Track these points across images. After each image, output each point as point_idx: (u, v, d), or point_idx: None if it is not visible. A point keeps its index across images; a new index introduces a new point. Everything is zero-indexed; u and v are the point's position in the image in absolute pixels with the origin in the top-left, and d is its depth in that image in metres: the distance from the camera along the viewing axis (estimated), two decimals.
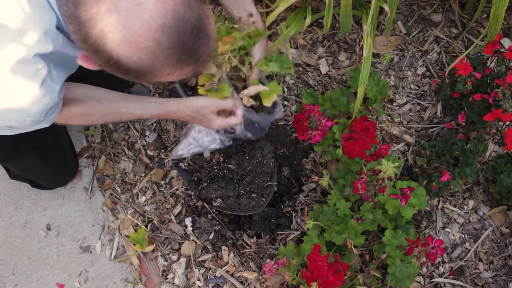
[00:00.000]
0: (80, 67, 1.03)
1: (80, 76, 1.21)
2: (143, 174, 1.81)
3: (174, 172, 1.80)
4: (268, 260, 1.61)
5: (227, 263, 1.66)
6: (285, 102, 1.87)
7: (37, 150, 1.53)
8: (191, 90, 1.62)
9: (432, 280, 1.61)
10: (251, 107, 1.48)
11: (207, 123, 1.37)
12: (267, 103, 1.39)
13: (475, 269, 1.63)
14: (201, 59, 0.94)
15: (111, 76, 1.70)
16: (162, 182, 1.80)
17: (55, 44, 1.00)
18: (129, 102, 1.32)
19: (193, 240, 1.70)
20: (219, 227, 1.70)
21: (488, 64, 1.73)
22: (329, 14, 1.67)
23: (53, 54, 1.02)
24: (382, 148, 1.45)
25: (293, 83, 1.89)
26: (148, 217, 1.74)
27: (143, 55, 0.87)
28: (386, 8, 1.54)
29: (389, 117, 1.83)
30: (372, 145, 1.46)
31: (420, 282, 1.60)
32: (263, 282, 1.61)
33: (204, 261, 1.67)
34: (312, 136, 1.46)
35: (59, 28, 1.00)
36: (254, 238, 1.68)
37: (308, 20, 1.69)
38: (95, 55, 0.89)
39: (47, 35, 0.97)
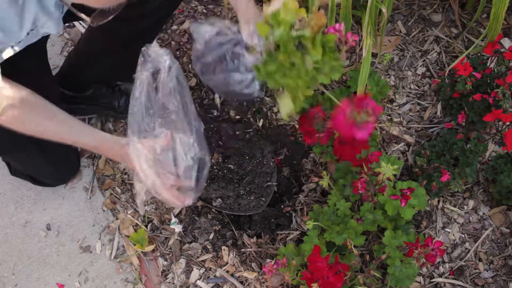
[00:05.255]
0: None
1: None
2: None
3: None
4: (268, 260, 1.61)
5: (227, 263, 1.66)
6: None
7: (37, 145, 1.53)
8: None
9: (432, 280, 1.61)
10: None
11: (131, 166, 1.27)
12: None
13: (475, 269, 1.63)
14: None
15: (111, 67, 1.68)
16: None
17: None
18: (68, 127, 1.26)
19: (177, 239, 1.70)
20: (219, 227, 1.70)
21: (488, 64, 1.73)
22: (332, 18, 1.67)
23: None
24: (374, 155, 1.44)
25: None
26: (148, 217, 1.74)
27: None
28: (384, 9, 1.54)
29: (389, 117, 1.83)
30: (364, 150, 1.46)
31: (420, 282, 1.61)
32: (263, 282, 1.61)
33: (204, 261, 1.67)
34: (320, 138, 1.45)
35: None
36: (254, 238, 1.68)
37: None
38: None
39: None
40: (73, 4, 0.95)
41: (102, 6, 0.91)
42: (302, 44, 1.04)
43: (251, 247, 1.67)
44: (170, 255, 1.69)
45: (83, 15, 1.04)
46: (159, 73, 1.25)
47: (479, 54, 1.87)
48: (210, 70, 1.46)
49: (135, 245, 1.68)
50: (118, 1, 0.89)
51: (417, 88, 1.90)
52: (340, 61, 1.09)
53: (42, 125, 1.23)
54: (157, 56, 1.24)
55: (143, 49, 1.23)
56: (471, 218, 1.70)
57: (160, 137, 1.24)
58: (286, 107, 1.11)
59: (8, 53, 1.09)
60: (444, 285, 1.60)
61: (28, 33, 1.11)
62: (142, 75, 1.24)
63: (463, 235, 1.67)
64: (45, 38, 1.48)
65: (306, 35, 1.02)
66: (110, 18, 1.04)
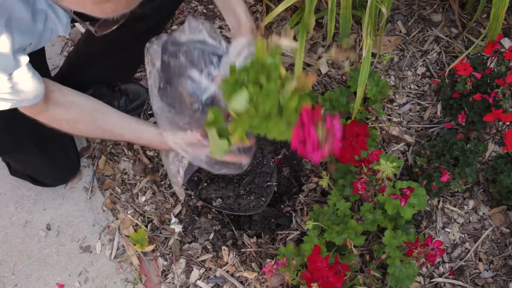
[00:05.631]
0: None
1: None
2: (143, 174, 1.81)
3: None
4: (268, 260, 1.61)
5: (227, 263, 1.66)
6: None
7: (37, 145, 1.53)
8: None
9: (432, 280, 1.61)
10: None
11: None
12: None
13: (475, 269, 1.63)
14: None
15: (111, 68, 1.69)
16: (162, 182, 1.80)
17: None
18: (122, 122, 1.30)
19: (177, 239, 1.70)
20: (219, 227, 1.70)
21: (488, 64, 1.73)
22: (332, 20, 1.67)
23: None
24: (374, 154, 1.45)
25: None
26: (148, 217, 1.74)
27: None
28: (383, 9, 1.54)
29: (389, 117, 1.83)
30: (363, 150, 1.46)
31: (420, 282, 1.60)
32: (263, 282, 1.61)
33: (204, 261, 1.67)
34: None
35: None
36: (254, 238, 1.68)
37: (312, 22, 1.69)
38: None
39: None
40: (76, 13, 0.95)
41: (106, 16, 0.91)
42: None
43: (251, 247, 1.67)
44: (170, 255, 1.69)
45: (87, 24, 1.05)
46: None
47: (479, 54, 1.87)
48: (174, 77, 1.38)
49: (135, 245, 1.68)
50: (122, 12, 0.89)
51: (417, 88, 1.90)
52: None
53: (106, 124, 1.27)
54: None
55: (147, 45, 1.22)
56: (471, 218, 1.70)
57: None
58: (216, 147, 1.07)
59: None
60: (444, 285, 1.60)
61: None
62: (153, 70, 1.23)
63: (463, 235, 1.67)
64: None
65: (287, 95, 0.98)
66: (113, 28, 1.05)
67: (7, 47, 1.02)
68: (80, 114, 1.25)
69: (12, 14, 1.01)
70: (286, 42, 1.05)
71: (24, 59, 1.09)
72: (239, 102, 0.98)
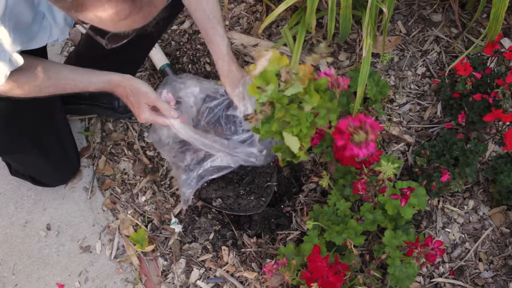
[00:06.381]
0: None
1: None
2: (143, 174, 1.81)
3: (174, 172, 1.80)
4: (268, 260, 1.61)
5: (227, 263, 1.66)
6: None
7: (37, 146, 1.53)
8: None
9: (432, 280, 1.61)
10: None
11: (136, 110, 1.38)
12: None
13: (475, 269, 1.63)
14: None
15: (111, 69, 1.70)
16: (162, 182, 1.80)
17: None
18: (76, 73, 1.32)
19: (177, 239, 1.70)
20: (219, 227, 1.70)
21: (488, 64, 1.73)
22: (332, 19, 1.67)
23: (7, 13, 0.99)
24: (374, 155, 1.45)
25: None
26: (148, 217, 1.74)
27: None
28: (384, 9, 1.54)
29: (389, 117, 1.83)
30: None
31: (420, 282, 1.60)
32: (263, 282, 1.61)
33: (204, 261, 1.67)
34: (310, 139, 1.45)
35: None
36: (254, 238, 1.68)
37: (313, 22, 1.69)
38: None
39: None
40: (86, 24, 0.96)
41: (119, 31, 0.92)
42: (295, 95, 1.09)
43: (251, 247, 1.67)
44: (170, 255, 1.69)
45: (98, 38, 1.05)
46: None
47: (479, 54, 1.87)
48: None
49: (135, 245, 1.68)
50: (137, 27, 0.91)
51: (417, 88, 1.90)
52: (336, 102, 1.12)
53: (60, 79, 1.30)
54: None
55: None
56: (471, 218, 1.70)
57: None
58: (294, 145, 1.13)
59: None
60: (444, 285, 1.60)
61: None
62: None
63: (463, 235, 1.67)
64: None
65: (300, 91, 1.07)
66: (124, 42, 1.05)
67: (12, 49, 1.03)
68: (32, 75, 1.24)
69: (19, 18, 1.02)
70: (262, 63, 1.11)
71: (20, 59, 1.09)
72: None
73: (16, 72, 1.19)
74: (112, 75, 1.36)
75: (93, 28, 0.95)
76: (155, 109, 1.39)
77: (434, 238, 1.56)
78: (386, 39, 1.96)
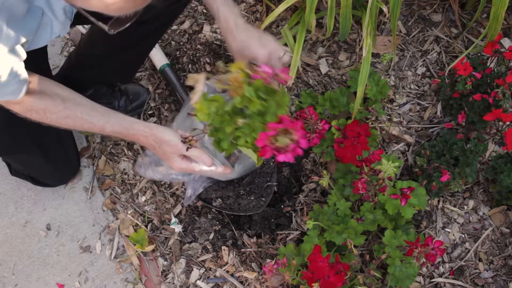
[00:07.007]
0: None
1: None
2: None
3: None
4: (268, 260, 1.61)
5: (227, 263, 1.66)
6: None
7: (38, 146, 1.53)
8: (191, 89, 1.62)
9: (432, 280, 1.61)
10: None
11: (166, 160, 1.28)
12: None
13: (475, 269, 1.63)
14: None
15: (111, 69, 1.70)
16: (162, 182, 1.80)
17: None
18: (95, 110, 1.25)
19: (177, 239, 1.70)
20: (219, 227, 1.70)
21: (488, 64, 1.73)
22: (332, 17, 1.67)
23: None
24: (375, 154, 1.45)
25: (293, 83, 1.89)
26: (148, 217, 1.74)
27: None
28: (385, 9, 1.54)
29: (389, 117, 1.83)
30: (365, 150, 1.47)
31: (420, 282, 1.60)
32: (263, 282, 1.61)
33: (204, 261, 1.67)
34: (311, 139, 1.46)
35: None
36: (254, 238, 1.68)
37: (313, 22, 1.69)
38: None
39: None
40: (89, 12, 0.96)
41: (120, 14, 0.92)
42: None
43: (251, 247, 1.67)
44: (170, 255, 1.69)
45: (101, 24, 1.05)
46: None
47: (479, 54, 1.87)
48: None
49: (135, 245, 1.68)
50: (136, 8, 0.90)
51: (417, 88, 1.90)
52: (287, 97, 1.14)
53: (77, 112, 1.24)
54: None
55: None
56: (471, 218, 1.70)
57: None
58: (252, 154, 1.17)
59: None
60: (444, 285, 1.60)
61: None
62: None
63: (463, 235, 1.67)
64: None
65: (236, 103, 1.09)
66: (127, 25, 1.05)
67: (9, 43, 1.02)
68: (50, 103, 1.21)
69: (12, 12, 1.01)
70: (199, 88, 1.15)
71: (22, 52, 1.08)
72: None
73: (35, 95, 1.18)
74: (134, 123, 1.26)
75: (94, 14, 0.95)
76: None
77: (434, 238, 1.56)
78: (386, 39, 1.96)
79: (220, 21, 1.30)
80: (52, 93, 1.22)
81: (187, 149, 1.22)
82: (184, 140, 1.19)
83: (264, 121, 1.11)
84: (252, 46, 1.28)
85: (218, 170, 1.30)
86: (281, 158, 1.08)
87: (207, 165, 1.27)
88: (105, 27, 1.05)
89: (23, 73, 1.12)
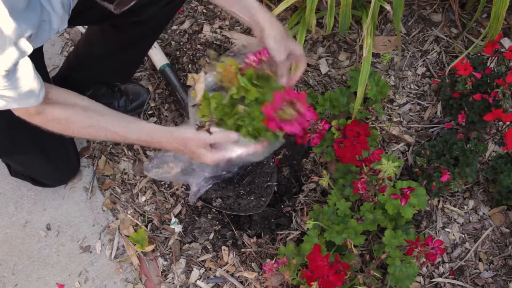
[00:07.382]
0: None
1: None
2: (143, 174, 1.81)
3: None
4: (268, 260, 1.60)
5: (227, 263, 1.66)
6: None
7: (38, 146, 1.53)
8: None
9: (432, 280, 1.61)
10: None
11: (198, 158, 1.23)
12: None
13: (475, 269, 1.63)
14: None
15: (110, 69, 1.69)
16: (162, 182, 1.80)
17: None
18: (117, 120, 1.23)
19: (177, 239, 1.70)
20: (219, 227, 1.70)
21: (488, 64, 1.73)
22: (331, 15, 1.67)
23: None
24: (375, 154, 1.45)
25: None
26: (148, 217, 1.74)
27: None
28: (388, 7, 1.54)
29: (389, 117, 1.83)
30: (365, 150, 1.47)
31: (420, 282, 1.60)
32: (263, 282, 1.61)
33: (204, 261, 1.67)
34: (311, 139, 1.46)
35: None
36: (254, 238, 1.68)
37: (313, 21, 1.69)
38: None
39: None
40: None
41: None
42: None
43: (251, 247, 1.67)
44: (170, 255, 1.69)
45: (106, 3, 1.04)
46: None
47: (479, 54, 1.87)
48: None
49: (135, 245, 1.68)
50: None
51: (417, 88, 1.90)
52: (273, 78, 1.19)
53: (100, 122, 1.22)
54: None
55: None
56: (471, 218, 1.70)
57: None
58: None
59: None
60: (444, 285, 1.60)
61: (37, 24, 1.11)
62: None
63: (463, 235, 1.67)
64: None
65: (233, 93, 1.15)
66: (132, 3, 1.04)
67: (13, 36, 1.01)
68: (72, 113, 1.20)
69: (12, 4, 1.01)
70: (200, 87, 1.18)
71: (27, 47, 1.08)
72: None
73: (55, 105, 1.17)
74: (154, 128, 1.24)
75: None
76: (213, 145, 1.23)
77: (434, 238, 1.56)
78: (386, 39, 1.96)
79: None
80: (72, 103, 1.21)
81: (210, 134, 1.18)
82: (200, 126, 1.17)
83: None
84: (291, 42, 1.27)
85: (251, 148, 1.23)
86: (288, 128, 1.10)
87: (235, 141, 1.21)
88: (111, 7, 1.04)
89: (36, 73, 1.11)
